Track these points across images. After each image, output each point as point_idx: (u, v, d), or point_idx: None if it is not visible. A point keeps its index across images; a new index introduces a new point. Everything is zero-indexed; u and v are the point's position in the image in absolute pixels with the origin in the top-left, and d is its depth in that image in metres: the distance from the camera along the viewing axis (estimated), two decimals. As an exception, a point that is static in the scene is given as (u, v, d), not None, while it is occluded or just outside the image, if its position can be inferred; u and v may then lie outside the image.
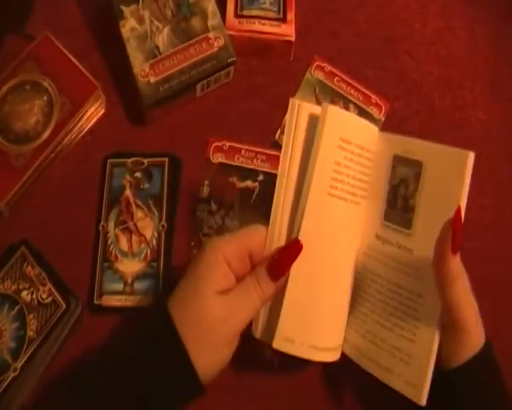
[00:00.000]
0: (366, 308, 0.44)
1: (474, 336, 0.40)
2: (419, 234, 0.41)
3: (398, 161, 0.43)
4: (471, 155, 0.39)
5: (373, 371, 0.43)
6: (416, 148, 0.42)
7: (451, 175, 0.40)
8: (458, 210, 0.38)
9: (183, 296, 0.39)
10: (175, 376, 0.38)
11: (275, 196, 0.42)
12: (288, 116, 0.42)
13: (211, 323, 0.38)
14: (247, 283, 0.40)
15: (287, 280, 0.40)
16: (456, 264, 0.38)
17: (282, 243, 0.41)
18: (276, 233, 0.41)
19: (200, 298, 0.38)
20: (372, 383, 0.43)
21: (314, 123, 0.41)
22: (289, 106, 0.42)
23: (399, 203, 0.43)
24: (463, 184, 0.39)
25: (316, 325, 0.42)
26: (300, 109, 0.42)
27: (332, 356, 0.44)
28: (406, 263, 0.42)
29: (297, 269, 0.40)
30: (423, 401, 0.39)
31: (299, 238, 0.40)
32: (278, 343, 0.40)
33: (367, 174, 0.44)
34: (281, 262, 0.40)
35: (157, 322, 0.40)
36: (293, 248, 0.40)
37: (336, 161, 0.41)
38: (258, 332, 0.42)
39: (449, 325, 0.40)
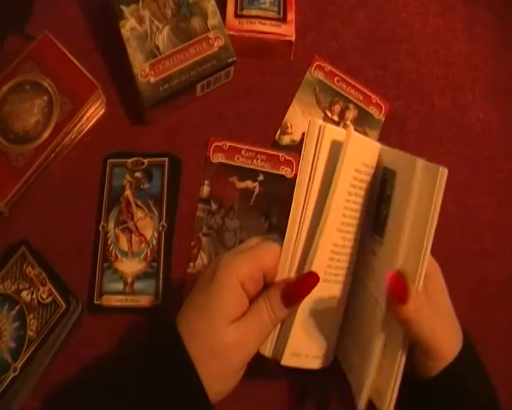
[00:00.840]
0: (349, 313, 0.45)
1: (445, 351, 0.39)
2: (388, 243, 0.41)
3: (386, 172, 0.42)
4: (420, 163, 0.37)
5: (349, 378, 0.43)
6: (393, 158, 0.41)
7: (405, 183, 0.39)
8: (391, 274, 0.37)
9: (196, 321, 0.38)
10: (186, 401, 0.37)
11: (291, 216, 0.40)
12: (306, 136, 0.40)
13: (224, 352, 0.37)
14: (259, 307, 0.39)
15: (298, 306, 0.40)
16: (409, 308, 0.37)
17: (296, 265, 0.40)
18: (290, 256, 0.40)
19: (214, 327, 0.37)
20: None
21: (336, 148, 0.39)
22: (309, 125, 0.40)
23: (380, 213, 0.42)
24: (411, 192, 0.37)
25: (318, 337, 0.42)
26: (324, 132, 0.40)
27: (327, 361, 0.44)
28: (372, 267, 0.42)
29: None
30: (360, 407, 0.40)
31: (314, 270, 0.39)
32: (287, 360, 0.41)
33: (367, 190, 0.43)
34: (297, 292, 0.39)
35: (169, 348, 0.38)
36: (310, 281, 0.39)
37: (349, 191, 0.40)
38: (266, 351, 0.41)
39: (417, 346, 0.39)
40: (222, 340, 0.37)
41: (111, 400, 0.38)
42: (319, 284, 0.40)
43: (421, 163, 0.37)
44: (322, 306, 0.42)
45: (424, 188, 0.38)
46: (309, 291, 0.39)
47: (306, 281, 0.39)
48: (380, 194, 0.43)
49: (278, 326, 0.41)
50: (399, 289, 0.37)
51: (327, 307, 0.42)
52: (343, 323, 0.44)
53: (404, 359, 0.39)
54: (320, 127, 0.40)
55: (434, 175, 0.37)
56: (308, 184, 0.40)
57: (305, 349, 0.42)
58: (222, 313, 0.37)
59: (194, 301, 0.39)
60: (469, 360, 0.40)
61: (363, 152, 0.41)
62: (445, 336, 0.39)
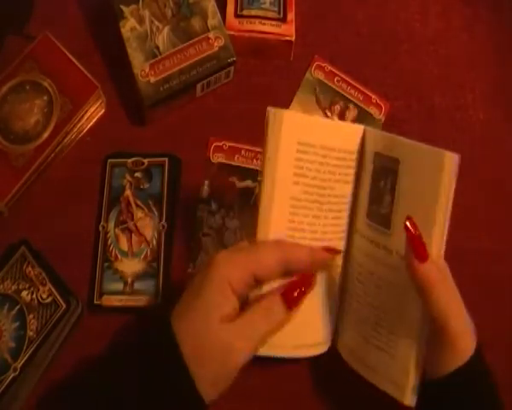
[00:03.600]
0: (355, 307, 0.44)
1: (461, 347, 0.39)
2: (397, 234, 0.41)
3: (379, 158, 0.42)
4: (448, 156, 0.38)
5: (361, 371, 0.43)
6: (394, 145, 0.41)
7: (428, 175, 0.39)
8: (407, 220, 0.38)
9: (189, 320, 0.38)
10: (179, 402, 0.37)
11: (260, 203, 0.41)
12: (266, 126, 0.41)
13: (218, 352, 0.37)
14: (255, 310, 0.39)
15: (297, 310, 0.40)
16: (428, 271, 0.38)
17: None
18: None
19: (207, 327, 0.37)
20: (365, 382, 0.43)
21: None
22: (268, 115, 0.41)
23: (379, 202, 0.42)
24: (441, 185, 0.38)
25: (304, 325, 0.42)
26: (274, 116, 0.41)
27: (321, 349, 0.44)
28: (386, 262, 0.42)
29: None
30: (407, 400, 0.39)
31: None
32: (268, 350, 0.41)
33: (334, 173, 0.43)
34: (297, 295, 0.39)
35: (161, 345, 0.39)
36: (308, 281, 0.40)
37: (297, 164, 0.40)
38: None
39: (435, 334, 0.39)
40: (214, 339, 0.37)
41: (109, 400, 0.39)
42: None
43: (450, 157, 0.38)
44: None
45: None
46: (308, 292, 0.39)
47: (306, 281, 0.40)
48: (375, 181, 0.42)
49: None
50: (419, 245, 0.37)
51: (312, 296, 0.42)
52: (353, 323, 0.44)
53: (420, 348, 0.39)
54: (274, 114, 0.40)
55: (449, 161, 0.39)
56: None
57: (289, 340, 0.41)
58: (214, 312, 0.38)
59: (188, 300, 0.39)
60: (481, 363, 0.40)
61: (302, 129, 0.41)
62: (460, 332, 0.39)
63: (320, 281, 0.43)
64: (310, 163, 0.41)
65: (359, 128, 0.43)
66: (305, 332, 0.43)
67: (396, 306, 0.41)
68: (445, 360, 0.39)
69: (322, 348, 0.45)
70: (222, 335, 0.37)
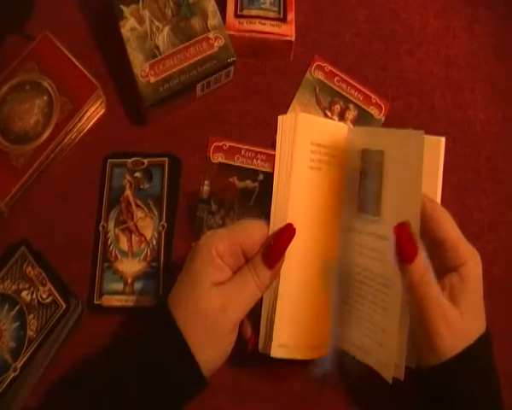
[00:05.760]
0: (348, 298, 0.45)
1: (444, 345, 0.39)
2: (387, 220, 0.42)
3: (365, 154, 0.44)
4: (420, 134, 0.39)
5: (354, 353, 0.44)
6: (377, 138, 0.43)
7: (409, 157, 0.40)
8: (397, 226, 0.38)
9: (181, 292, 0.40)
10: (177, 372, 0.38)
11: (272, 198, 0.43)
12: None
13: (209, 314, 0.38)
14: (243, 272, 0.40)
15: (280, 266, 0.41)
16: (414, 270, 0.39)
17: None
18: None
19: (196, 292, 0.39)
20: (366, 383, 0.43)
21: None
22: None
23: (368, 194, 0.44)
24: (421, 165, 0.39)
25: (307, 327, 0.44)
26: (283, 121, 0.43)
27: (324, 351, 0.45)
28: (377, 249, 0.43)
29: (285, 279, 0.42)
30: (390, 377, 0.41)
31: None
32: (275, 352, 0.42)
33: (338, 171, 0.45)
34: (275, 248, 0.40)
35: (157, 320, 0.41)
36: (286, 233, 0.40)
37: (310, 165, 0.43)
38: (259, 346, 0.43)
39: (419, 328, 0.40)
40: (205, 302, 0.39)
41: (112, 399, 0.39)
42: (296, 272, 0.42)
43: (425, 137, 0.39)
44: (303, 293, 0.43)
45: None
46: (287, 245, 0.40)
47: (283, 233, 0.40)
48: (363, 176, 0.44)
49: (266, 322, 0.42)
50: (400, 240, 0.38)
51: (309, 296, 0.44)
52: (346, 315, 0.45)
53: (403, 329, 0.41)
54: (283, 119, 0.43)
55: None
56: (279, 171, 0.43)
57: (292, 340, 0.43)
58: (202, 279, 0.39)
59: (179, 278, 0.41)
60: (469, 364, 0.40)
61: (315, 131, 0.43)
62: (444, 333, 0.39)
63: (324, 284, 0.44)
64: (321, 163, 0.43)
65: (345, 127, 0.46)
66: (314, 333, 0.44)
67: (385, 291, 0.42)
68: (425, 356, 0.41)
69: (326, 350, 0.45)
70: (212, 299, 0.39)
